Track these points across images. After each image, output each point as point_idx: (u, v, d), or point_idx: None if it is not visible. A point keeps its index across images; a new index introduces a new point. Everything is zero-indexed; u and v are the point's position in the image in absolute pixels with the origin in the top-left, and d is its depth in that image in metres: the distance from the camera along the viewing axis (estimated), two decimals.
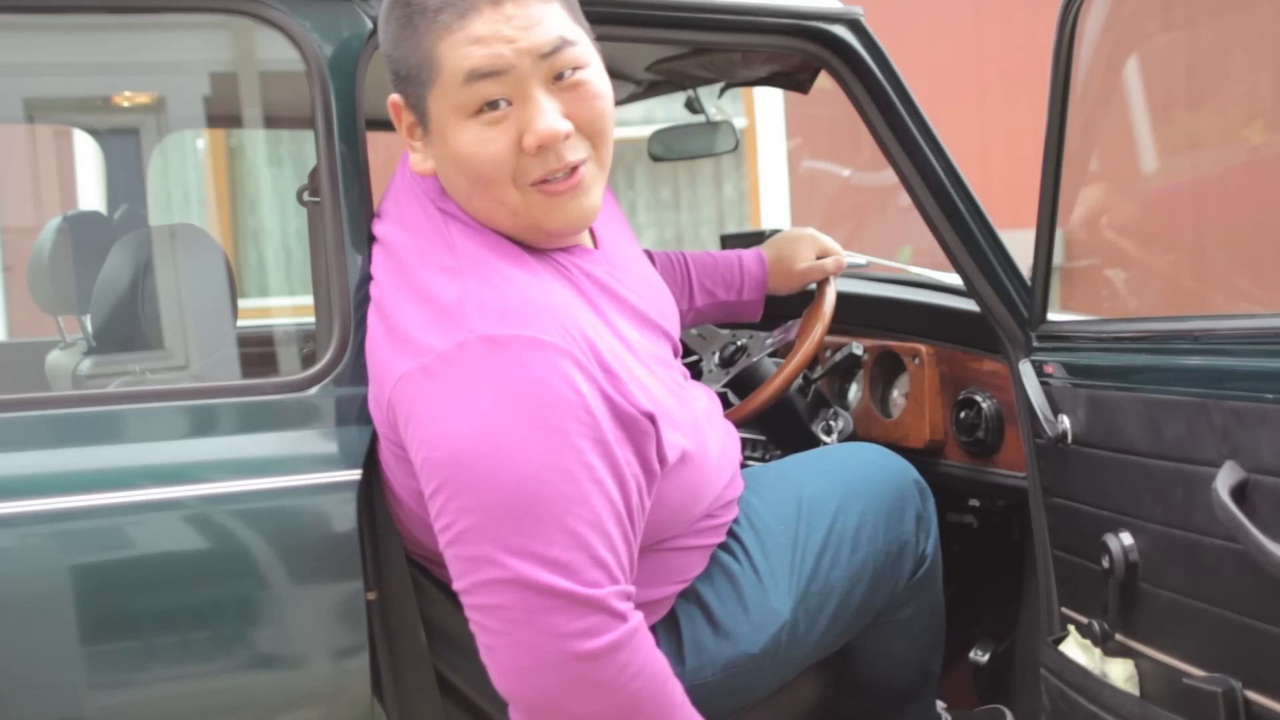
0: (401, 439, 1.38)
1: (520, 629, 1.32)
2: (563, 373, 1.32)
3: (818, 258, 2.09)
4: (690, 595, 1.64)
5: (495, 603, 1.33)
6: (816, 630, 1.69)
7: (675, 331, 1.69)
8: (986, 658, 2.26)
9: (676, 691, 1.44)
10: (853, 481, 1.75)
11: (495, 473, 1.30)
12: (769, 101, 6.93)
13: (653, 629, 1.53)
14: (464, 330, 1.32)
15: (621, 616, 1.35)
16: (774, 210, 6.93)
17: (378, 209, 1.55)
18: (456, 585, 1.37)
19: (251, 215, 6.48)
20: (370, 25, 1.55)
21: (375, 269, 1.49)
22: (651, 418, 1.41)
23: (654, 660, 1.40)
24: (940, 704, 2.02)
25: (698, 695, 1.59)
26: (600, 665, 1.34)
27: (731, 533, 1.68)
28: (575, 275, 1.49)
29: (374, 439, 1.48)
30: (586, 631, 1.32)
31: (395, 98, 1.44)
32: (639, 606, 1.42)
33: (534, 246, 1.47)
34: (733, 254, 2.10)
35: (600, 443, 1.33)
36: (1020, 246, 1.89)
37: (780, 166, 6.92)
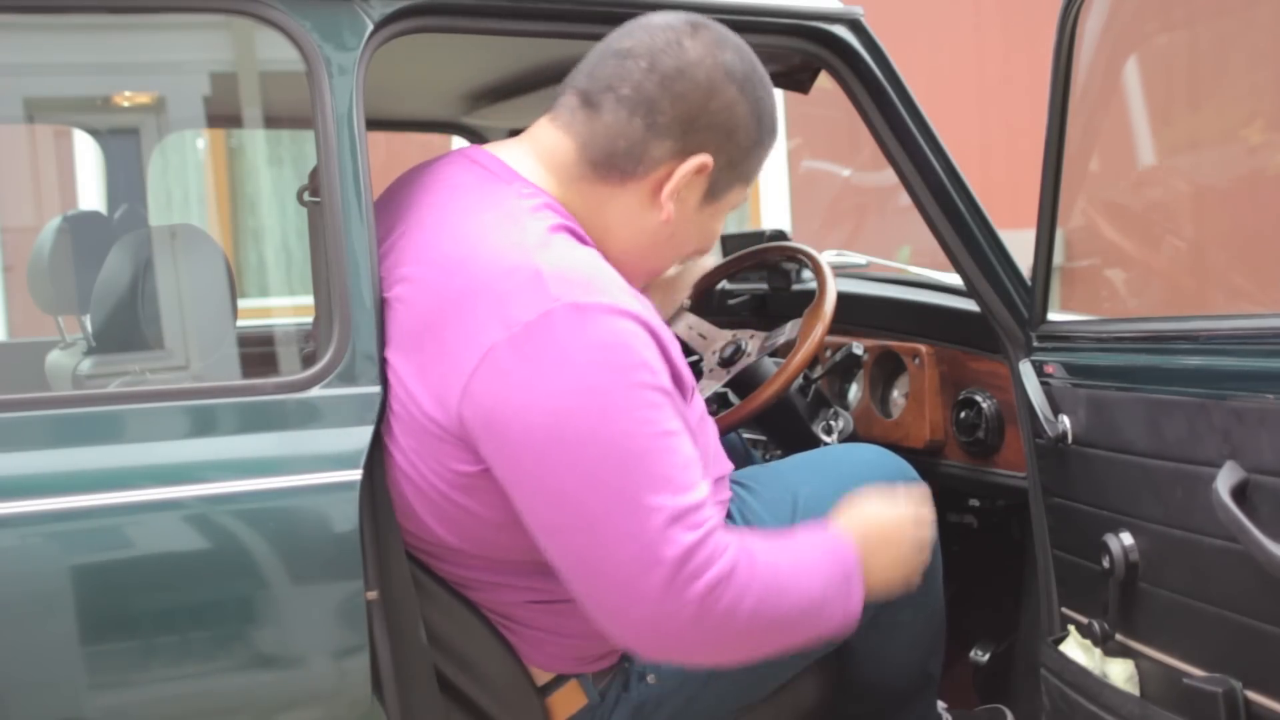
0: (461, 416, 1.41)
1: (649, 578, 1.37)
2: (642, 337, 1.42)
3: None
4: None
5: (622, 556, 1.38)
6: None
7: None
8: (987, 657, 2.26)
9: (801, 579, 1.49)
10: (849, 480, 1.73)
11: (596, 430, 1.37)
12: None
13: None
14: (549, 300, 1.38)
15: (726, 545, 1.42)
16: (774, 210, 6.93)
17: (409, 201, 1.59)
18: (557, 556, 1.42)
19: (251, 215, 6.48)
20: (370, 25, 1.55)
21: (434, 250, 1.51)
22: (692, 386, 1.55)
23: (763, 568, 1.45)
24: (940, 704, 2.01)
25: (693, 689, 1.59)
26: (729, 589, 1.39)
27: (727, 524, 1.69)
28: None
29: (375, 438, 1.48)
30: (708, 560, 1.38)
31: (704, 160, 1.53)
32: None
33: None
34: None
35: (672, 400, 1.44)
36: (1020, 246, 1.89)
37: (780, 167, 6.91)
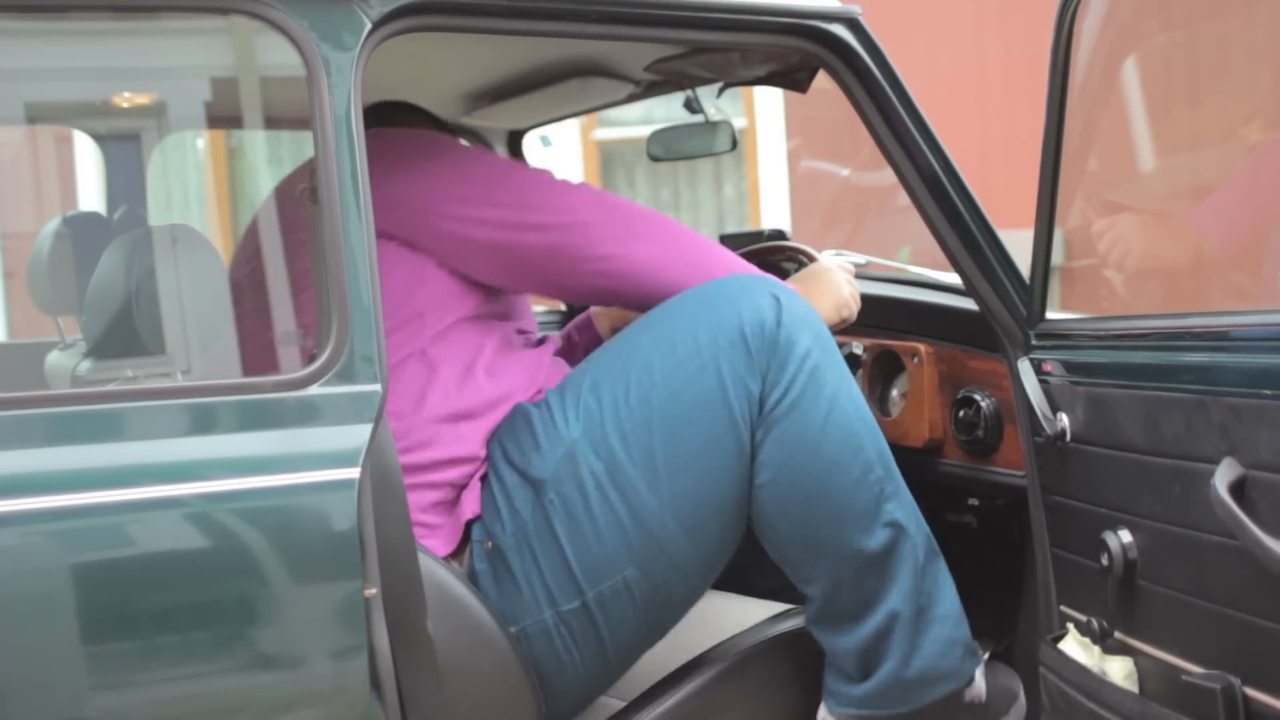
0: None
1: None
2: None
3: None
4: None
5: None
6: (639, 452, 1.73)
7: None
8: (986, 656, 2.26)
9: None
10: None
11: None
12: (769, 102, 6.93)
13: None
14: None
15: None
16: (774, 210, 6.94)
17: None
18: None
19: (252, 215, 6.48)
20: (369, 25, 1.55)
21: None
22: None
23: None
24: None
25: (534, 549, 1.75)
26: None
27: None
28: None
29: (373, 435, 1.48)
30: None
31: None
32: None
33: None
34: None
35: None
36: (1021, 246, 1.89)
37: (780, 167, 6.93)
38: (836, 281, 2.02)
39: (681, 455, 1.73)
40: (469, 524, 1.80)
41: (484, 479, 1.82)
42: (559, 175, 1.90)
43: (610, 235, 1.83)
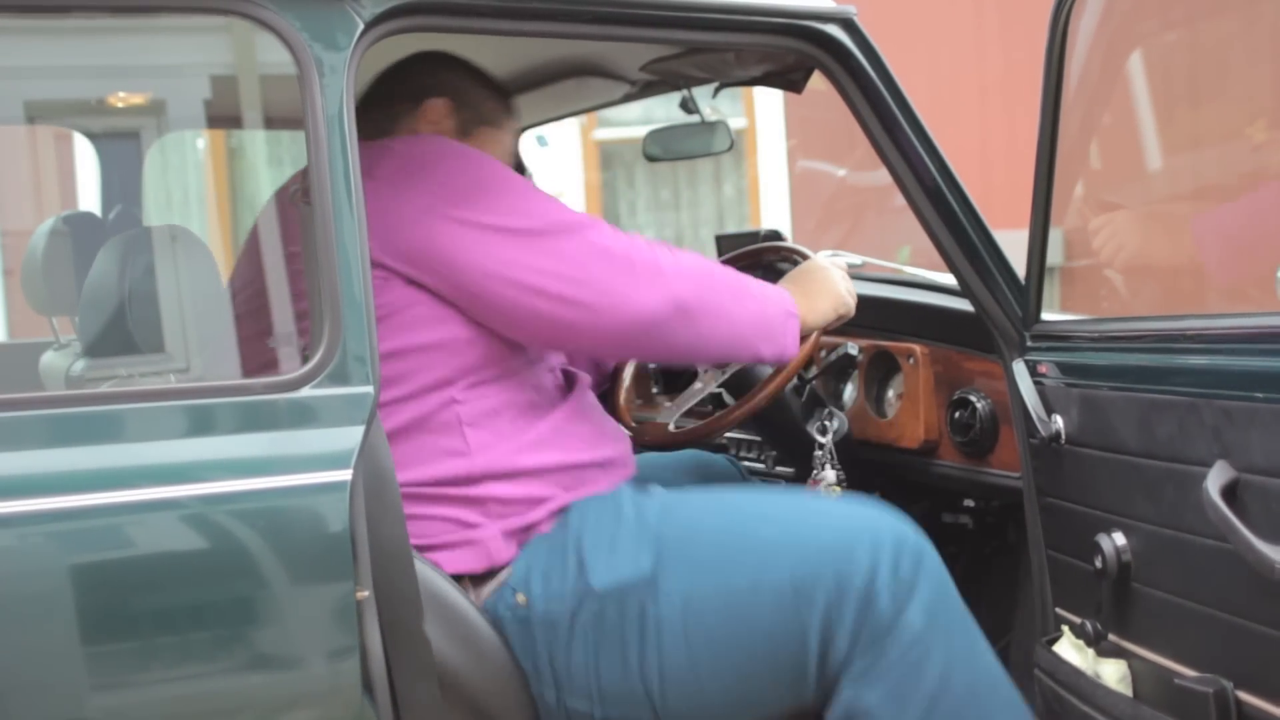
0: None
1: None
2: None
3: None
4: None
5: None
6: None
7: None
8: None
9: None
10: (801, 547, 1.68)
11: None
12: (768, 102, 6.93)
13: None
14: None
15: None
16: (774, 210, 6.93)
17: None
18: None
19: (249, 216, 6.48)
20: (361, 25, 1.55)
21: None
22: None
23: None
24: None
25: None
26: None
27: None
28: None
29: (365, 437, 1.48)
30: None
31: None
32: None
33: None
34: None
35: None
36: (1022, 246, 1.88)
37: (780, 166, 6.92)
38: (833, 279, 2.01)
39: (737, 666, 1.65)
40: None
41: (542, 531, 1.74)
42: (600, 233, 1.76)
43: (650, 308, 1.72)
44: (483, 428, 1.72)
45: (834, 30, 1.81)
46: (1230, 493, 1.38)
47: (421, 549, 1.67)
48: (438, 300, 1.71)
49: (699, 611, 1.65)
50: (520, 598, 1.69)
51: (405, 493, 1.61)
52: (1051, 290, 1.90)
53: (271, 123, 2.71)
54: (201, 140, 6.42)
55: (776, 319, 1.86)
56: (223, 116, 2.62)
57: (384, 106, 1.89)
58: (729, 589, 1.64)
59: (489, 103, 1.96)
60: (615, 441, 1.88)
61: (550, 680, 1.69)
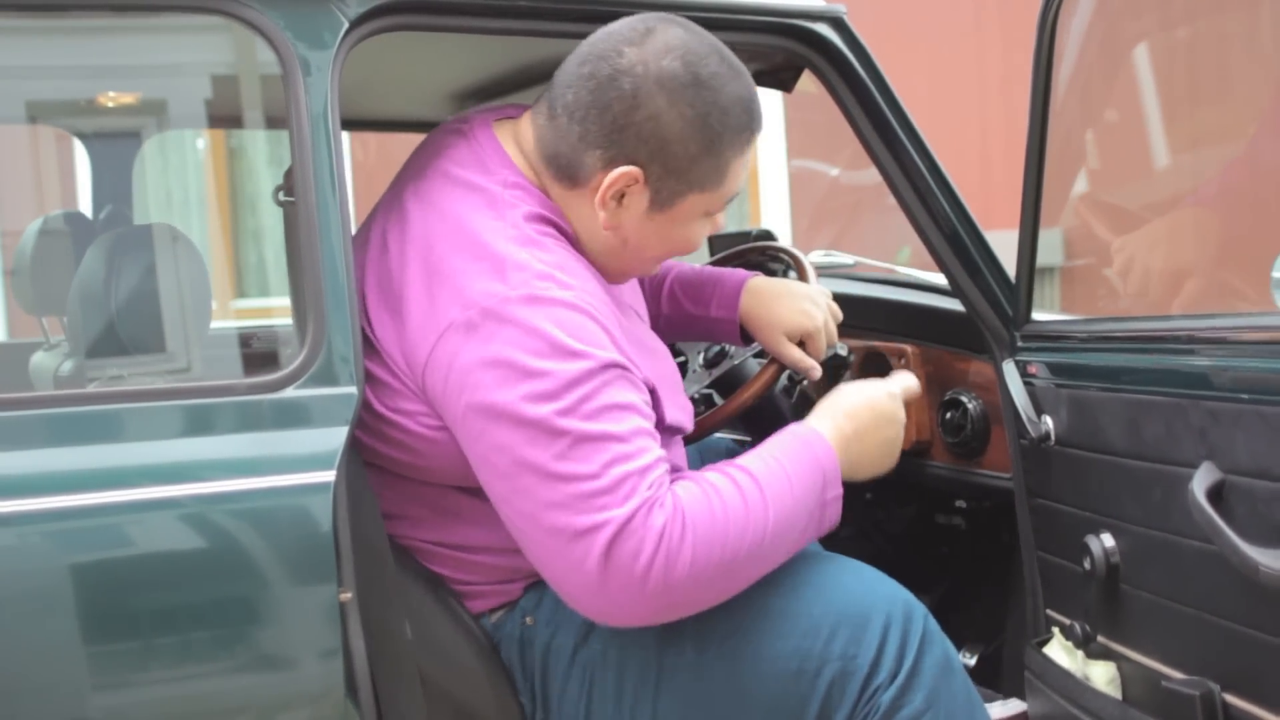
0: (425, 382, 1.50)
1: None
2: (590, 328, 1.46)
3: (799, 343, 1.90)
4: None
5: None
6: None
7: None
8: (975, 660, 2.25)
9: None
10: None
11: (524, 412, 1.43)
12: (767, 101, 6.91)
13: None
14: (505, 289, 1.44)
15: (658, 524, 1.42)
16: (773, 209, 6.93)
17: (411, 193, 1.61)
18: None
19: (248, 215, 6.48)
20: (345, 24, 1.54)
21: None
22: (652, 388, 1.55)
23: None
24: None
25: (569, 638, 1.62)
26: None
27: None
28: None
29: (349, 438, 1.47)
30: (638, 538, 1.40)
31: (632, 171, 1.51)
32: None
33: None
34: (718, 271, 2.04)
35: (620, 375, 1.46)
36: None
37: (779, 166, 6.91)
38: (893, 436, 1.63)
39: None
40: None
41: None
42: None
43: None
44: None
45: (823, 29, 1.80)
46: (1216, 494, 1.37)
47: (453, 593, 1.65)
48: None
49: (702, 674, 1.59)
50: (529, 619, 1.66)
51: (430, 550, 1.63)
52: (1052, 290, 1.89)
53: (258, 122, 2.71)
54: (190, 139, 6.42)
55: (812, 526, 1.56)
56: (209, 116, 2.61)
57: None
58: (735, 655, 1.58)
59: None
60: None
61: (541, 704, 1.66)
